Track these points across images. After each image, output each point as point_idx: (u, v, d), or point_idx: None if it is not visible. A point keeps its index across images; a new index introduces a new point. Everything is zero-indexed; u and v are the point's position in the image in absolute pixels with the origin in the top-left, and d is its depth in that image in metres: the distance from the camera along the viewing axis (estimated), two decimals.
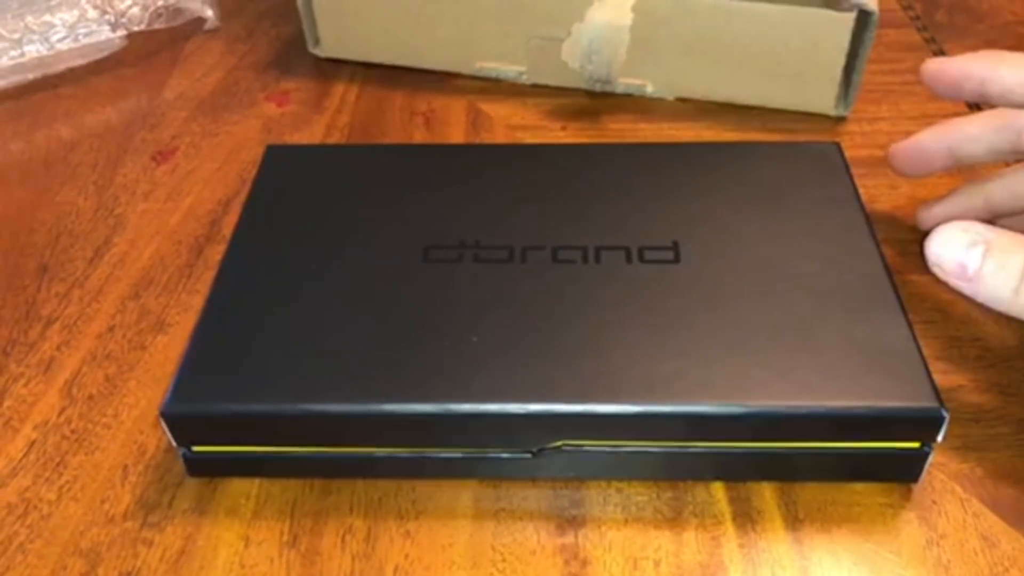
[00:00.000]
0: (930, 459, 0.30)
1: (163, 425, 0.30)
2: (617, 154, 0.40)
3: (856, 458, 0.31)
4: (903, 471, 0.31)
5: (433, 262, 0.34)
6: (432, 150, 0.44)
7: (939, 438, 0.30)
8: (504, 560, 0.30)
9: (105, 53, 0.54)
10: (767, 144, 0.41)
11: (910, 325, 0.31)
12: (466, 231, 0.35)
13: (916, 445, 0.30)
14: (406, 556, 0.30)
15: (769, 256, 0.34)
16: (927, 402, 0.29)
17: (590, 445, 0.31)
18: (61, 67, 0.53)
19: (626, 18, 0.46)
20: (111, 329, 0.38)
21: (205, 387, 0.30)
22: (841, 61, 0.46)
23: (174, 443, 0.31)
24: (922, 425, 0.29)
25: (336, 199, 0.38)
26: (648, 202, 0.37)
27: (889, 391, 0.29)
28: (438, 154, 0.42)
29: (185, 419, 0.30)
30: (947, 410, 0.29)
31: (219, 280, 0.34)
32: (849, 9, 0.44)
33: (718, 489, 0.31)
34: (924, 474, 0.31)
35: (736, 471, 0.32)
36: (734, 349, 0.31)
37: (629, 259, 0.34)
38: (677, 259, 0.34)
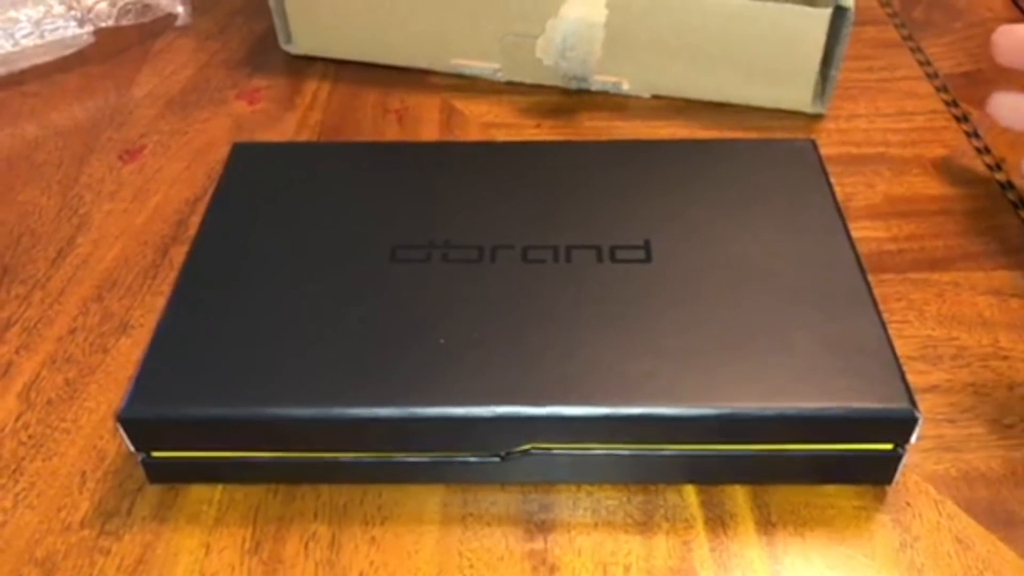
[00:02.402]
0: (903, 461, 0.30)
1: (120, 430, 0.29)
2: (589, 152, 0.40)
3: (829, 460, 0.30)
4: (876, 473, 0.31)
5: (401, 262, 0.34)
6: (402, 148, 0.43)
7: (912, 440, 0.29)
8: (471, 566, 0.29)
9: (72, 50, 0.53)
10: (741, 141, 0.41)
11: (884, 325, 0.31)
12: (435, 230, 0.35)
13: (890, 447, 0.30)
14: (371, 563, 0.29)
15: (742, 255, 0.34)
16: (900, 403, 0.29)
17: (559, 448, 0.30)
18: (26, 64, 0.52)
19: (600, 14, 0.45)
20: (72, 332, 0.37)
21: (164, 391, 0.30)
22: (818, 57, 0.45)
23: (132, 449, 0.30)
24: (895, 427, 0.29)
25: (303, 198, 0.37)
26: (620, 201, 0.36)
27: (862, 392, 0.29)
28: (408, 152, 0.41)
29: (143, 424, 0.29)
30: (920, 412, 0.29)
31: (181, 281, 0.33)
32: (825, 5, 0.43)
33: (689, 492, 0.31)
34: (898, 476, 0.30)
35: (708, 474, 0.31)
36: (706, 350, 0.30)
37: (600, 258, 0.34)
38: (648, 258, 0.34)
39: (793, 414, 0.29)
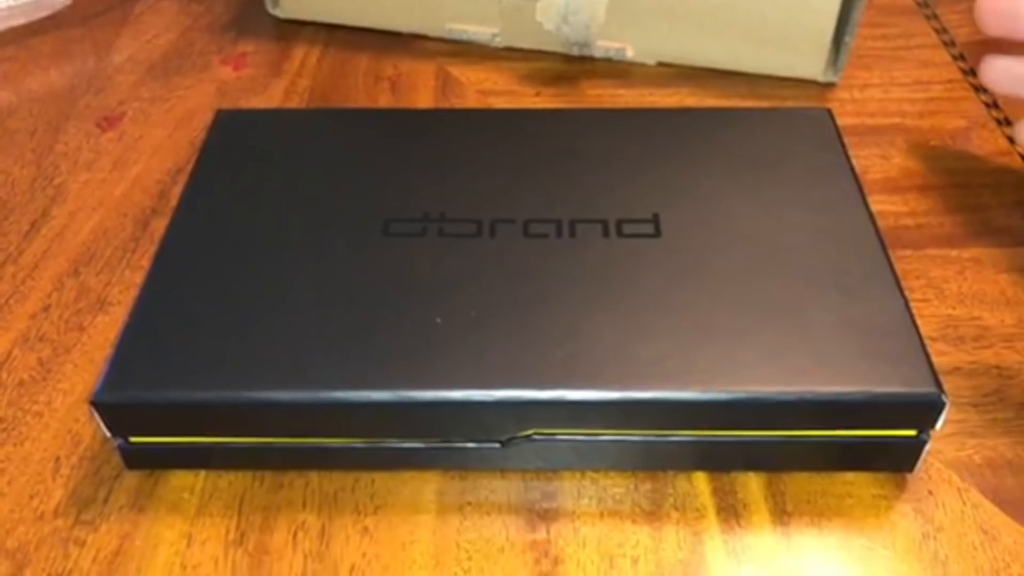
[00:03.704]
0: (927, 447, 0.28)
1: (95, 415, 0.27)
2: (594, 120, 0.38)
3: (849, 447, 0.29)
4: (898, 460, 0.29)
5: (394, 236, 0.32)
6: (395, 115, 0.41)
7: (938, 425, 0.28)
8: (470, 558, 0.27)
9: (47, 12, 0.51)
10: (754, 110, 0.39)
11: (908, 304, 0.29)
12: (430, 203, 0.33)
13: (913, 433, 0.28)
14: (363, 555, 0.27)
15: (756, 230, 0.32)
16: (926, 387, 0.27)
17: (563, 434, 0.28)
18: (0, 27, 0.50)
19: None
20: (46, 309, 0.35)
21: (141, 373, 0.28)
22: (832, 23, 0.43)
23: (108, 434, 0.28)
24: (920, 412, 0.27)
25: (290, 168, 0.35)
26: (627, 172, 0.34)
27: (885, 376, 0.27)
28: (401, 119, 0.39)
29: (119, 408, 0.27)
30: (947, 396, 0.27)
31: (160, 256, 0.31)
32: None
33: (701, 480, 0.29)
34: (920, 463, 0.29)
35: (720, 461, 0.29)
36: (719, 331, 0.28)
37: (606, 233, 0.32)
38: (658, 233, 0.32)
39: (812, 399, 0.27)
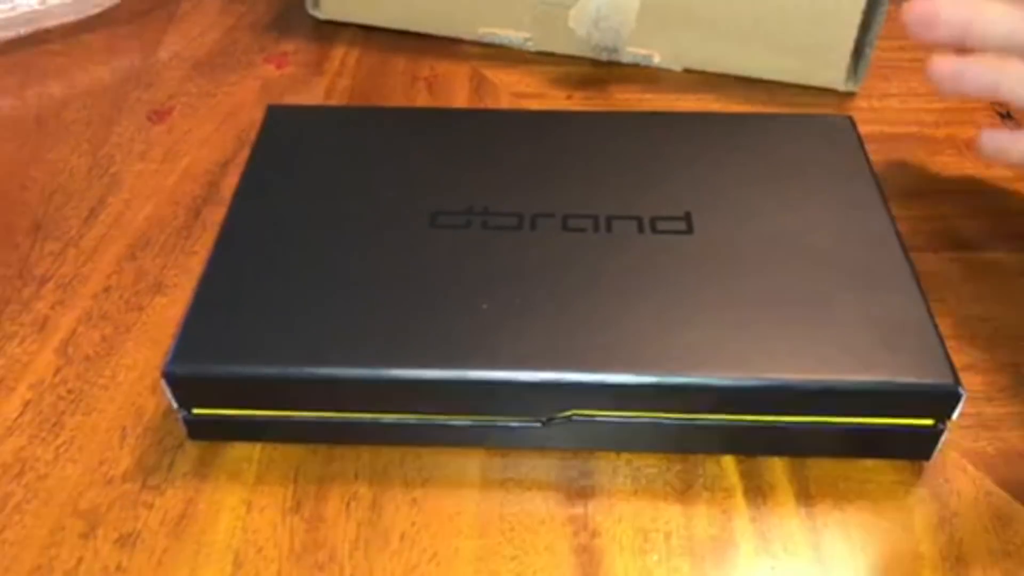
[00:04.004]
0: (944, 437, 0.30)
1: (164, 387, 0.29)
2: (627, 123, 0.40)
3: (868, 434, 0.30)
4: (915, 449, 0.31)
5: (441, 228, 0.34)
6: (439, 114, 0.43)
7: (954, 416, 0.29)
8: (512, 529, 0.29)
9: (98, 9, 0.53)
10: (779, 116, 0.40)
11: (926, 301, 0.31)
12: (474, 197, 0.35)
13: (930, 422, 0.30)
14: (412, 523, 0.29)
15: (783, 229, 0.34)
16: (944, 379, 0.29)
17: (600, 415, 0.30)
18: (52, 22, 0.52)
19: None
20: (107, 290, 0.37)
21: (208, 348, 0.30)
22: (853, 34, 0.45)
23: (175, 405, 0.30)
24: (938, 402, 0.29)
25: (340, 161, 0.37)
26: (659, 172, 0.36)
27: (905, 367, 0.29)
28: (446, 118, 0.41)
29: (188, 380, 0.29)
30: (964, 387, 0.29)
31: (221, 239, 0.33)
32: None
33: (729, 463, 0.31)
34: (936, 452, 0.31)
35: (747, 445, 0.31)
36: (747, 321, 0.30)
37: (641, 229, 0.34)
38: (690, 230, 0.34)
39: (836, 386, 0.29)
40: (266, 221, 0.34)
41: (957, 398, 0.29)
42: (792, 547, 0.29)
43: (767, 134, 0.38)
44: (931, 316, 0.31)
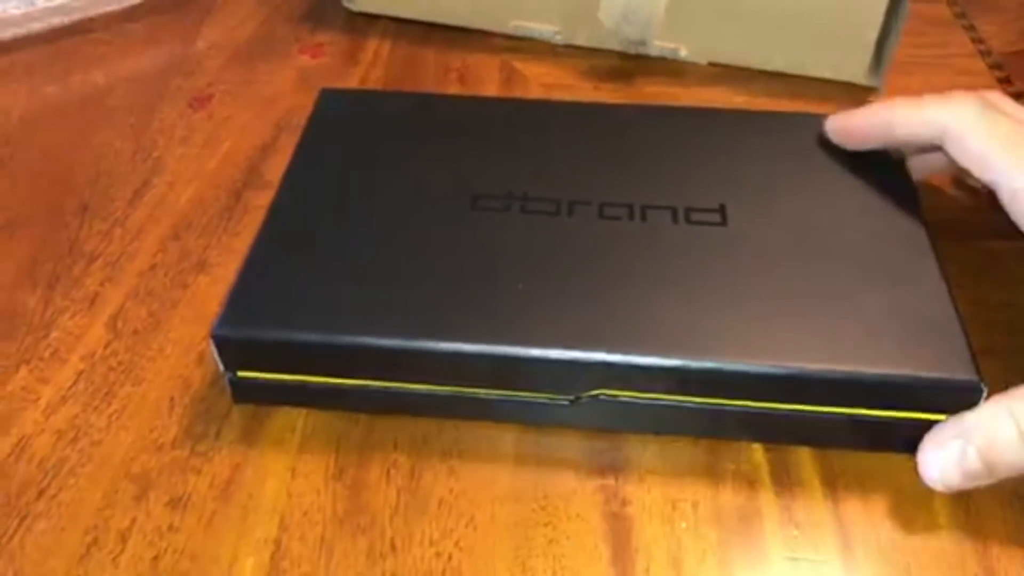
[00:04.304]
0: None
1: (212, 347, 0.31)
2: (663, 115, 0.40)
3: (892, 427, 0.31)
4: None
5: (481, 210, 0.35)
6: (482, 102, 0.44)
7: None
8: (546, 496, 0.30)
9: (138, 0, 0.54)
10: (812, 114, 0.41)
11: (953, 297, 0.32)
12: (514, 183, 0.36)
13: None
14: (450, 490, 0.30)
15: (814, 223, 0.34)
16: (966, 374, 0.29)
17: (628, 396, 0.31)
18: (94, 12, 0.53)
19: None
20: (153, 268, 0.38)
21: (255, 313, 0.31)
22: (876, 29, 0.46)
23: (221, 367, 0.31)
24: (960, 397, 0.30)
25: (387, 143, 0.38)
26: (695, 165, 0.37)
27: (929, 361, 0.30)
28: (488, 106, 0.42)
29: (235, 343, 0.31)
30: (986, 383, 0.29)
31: (273, 211, 0.34)
32: None
33: (756, 449, 0.32)
34: None
35: (770, 433, 0.32)
36: (777, 311, 0.31)
37: (675, 219, 0.35)
38: (724, 222, 0.34)
39: (860, 377, 0.30)
40: (316, 196, 0.35)
41: (979, 393, 0.29)
42: (815, 518, 0.30)
43: (799, 130, 0.39)
44: (957, 311, 0.31)
